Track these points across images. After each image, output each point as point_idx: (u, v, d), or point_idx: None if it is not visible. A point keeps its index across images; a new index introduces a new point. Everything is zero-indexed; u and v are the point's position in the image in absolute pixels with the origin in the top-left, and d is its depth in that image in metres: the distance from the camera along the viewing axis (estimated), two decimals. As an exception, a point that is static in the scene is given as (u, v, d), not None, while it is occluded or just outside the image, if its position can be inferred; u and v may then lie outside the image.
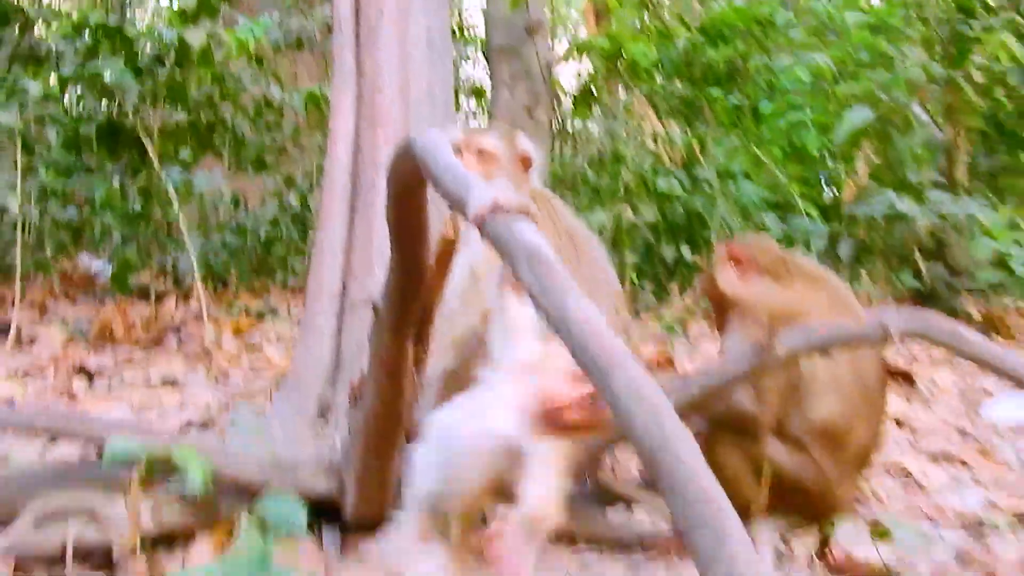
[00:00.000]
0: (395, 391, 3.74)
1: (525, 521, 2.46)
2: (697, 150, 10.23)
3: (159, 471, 3.98)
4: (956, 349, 3.72)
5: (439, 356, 4.08)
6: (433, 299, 3.61)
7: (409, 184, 2.97)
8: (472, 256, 4.06)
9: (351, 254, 4.96)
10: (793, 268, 4.67)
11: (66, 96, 9.01)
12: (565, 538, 4.34)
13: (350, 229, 4.99)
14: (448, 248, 3.40)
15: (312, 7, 10.38)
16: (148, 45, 8.22)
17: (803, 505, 4.38)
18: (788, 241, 9.57)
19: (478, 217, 2.28)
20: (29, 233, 8.44)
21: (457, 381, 4.18)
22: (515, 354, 2.61)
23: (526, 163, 4.46)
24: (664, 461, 1.73)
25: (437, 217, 3.32)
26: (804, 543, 4.31)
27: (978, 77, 10.14)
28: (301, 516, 2.12)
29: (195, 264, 8.09)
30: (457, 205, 2.45)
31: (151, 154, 8.02)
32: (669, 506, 1.71)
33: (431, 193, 2.87)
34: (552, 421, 2.53)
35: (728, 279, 4.59)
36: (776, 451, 4.42)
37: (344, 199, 5.01)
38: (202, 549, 4.00)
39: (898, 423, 6.66)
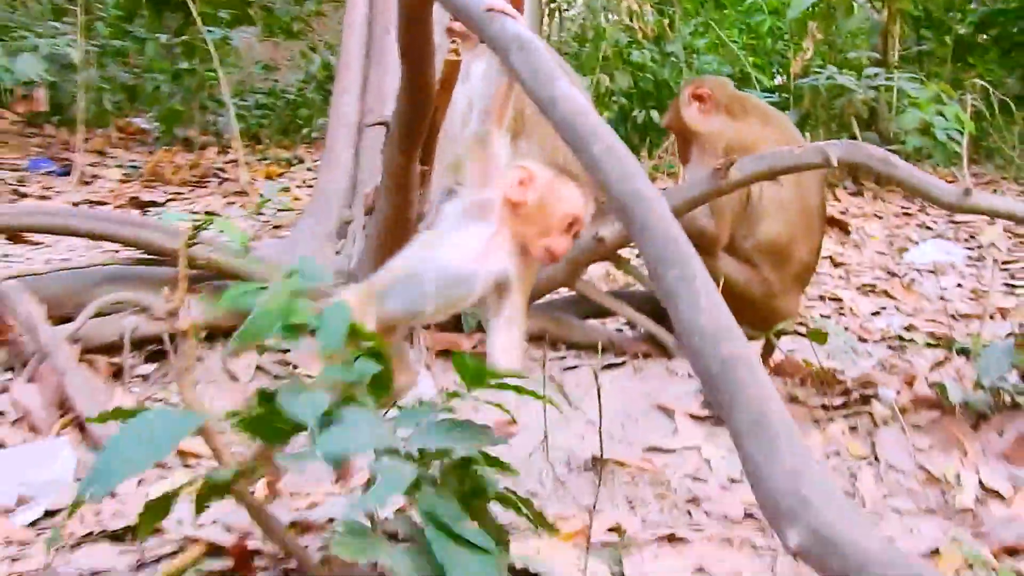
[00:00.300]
0: (404, 201, 3.72)
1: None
2: (667, 28, 10.08)
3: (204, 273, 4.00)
4: (885, 173, 3.69)
5: (441, 175, 4.05)
6: (437, 120, 3.58)
7: (417, 6, 2.92)
8: (472, 88, 4.02)
9: (366, 93, 4.91)
10: (749, 106, 4.63)
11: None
12: (550, 340, 4.36)
13: (365, 71, 4.93)
14: (452, 71, 3.35)
15: None
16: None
17: (751, 315, 4.37)
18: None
19: (478, 15, 2.24)
20: (90, 90, 8.35)
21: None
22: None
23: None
24: (638, 211, 1.71)
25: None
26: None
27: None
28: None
29: (233, 119, 8.03)
30: (460, 14, 2.41)
31: (194, 17, 7.89)
32: (641, 247, 1.70)
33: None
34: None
35: (691, 114, 4.55)
36: (729, 266, 4.43)
37: (361, 44, 4.95)
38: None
39: (834, 262, 6.68)
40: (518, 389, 2.17)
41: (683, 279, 1.54)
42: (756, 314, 4.36)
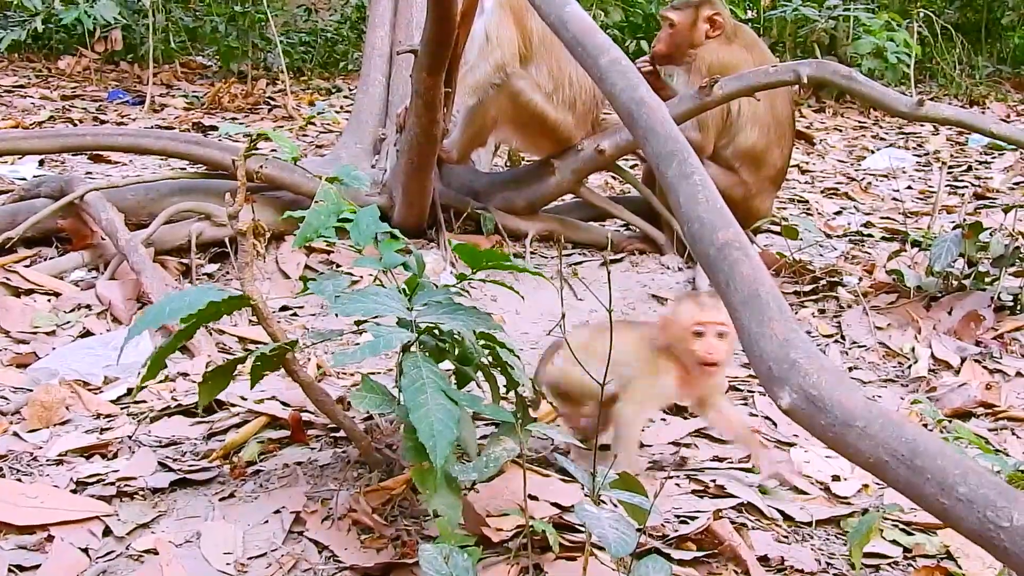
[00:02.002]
0: (431, 119, 3.65)
1: None
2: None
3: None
4: (848, 87, 3.60)
5: (463, 96, 3.98)
6: (459, 47, 3.50)
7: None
8: (487, 20, 3.91)
9: (396, 28, 4.80)
10: (740, 33, 4.50)
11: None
12: (557, 240, 4.32)
13: (395, 5, 4.82)
14: (471, 3, 3.27)
15: None
16: None
17: (732, 214, 4.32)
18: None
19: None
20: (157, 32, 8.30)
21: (478, 117, 4.10)
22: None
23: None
24: (642, 114, 1.63)
25: None
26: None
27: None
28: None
29: (280, 55, 8.02)
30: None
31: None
32: (645, 147, 1.62)
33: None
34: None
35: (699, 34, 4.38)
36: (712, 171, 4.34)
37: (390, -17, 4.84)
38: (287, 247, 3.99)
39: (801, 170, 6.62)
40: (516, 268, 2.14)
41: (682, 174, 1.48)
42: (736, 213, 4.25)
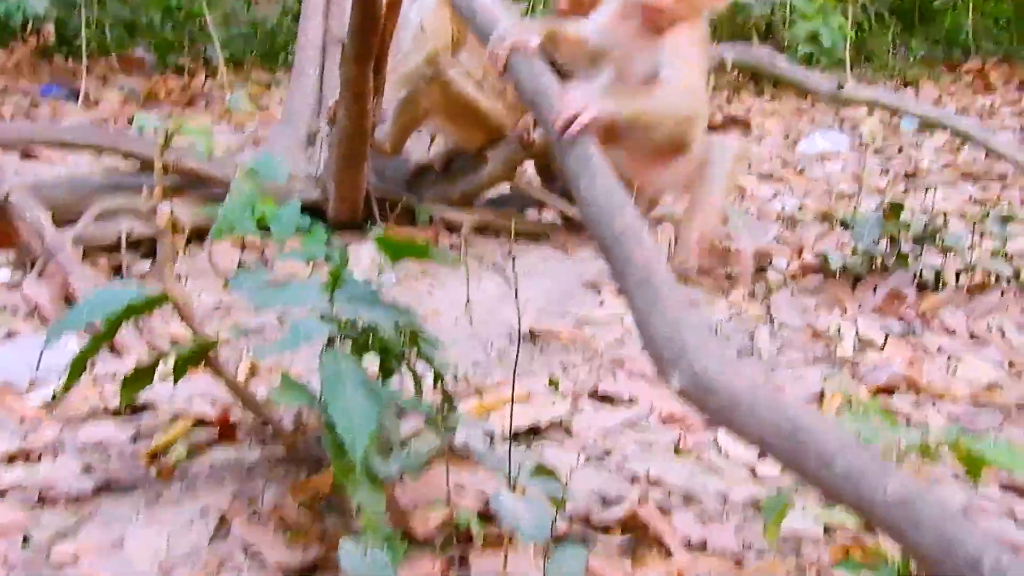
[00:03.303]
0: (361, 111, 3.63)
1: None
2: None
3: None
4: (771, 71, 3.64)
5: (394, 86, 3.96)
6: (387, 35, 3.48)
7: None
8: (422, 9, 3.90)
9: (329, 18, 4.77)
10: None
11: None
12: (493, 231, 4.32)
13: (328, -1, 4.80)
14: (397, -9, 3.25)
15: None
16: None
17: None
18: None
19: None
20: (92, 25, 8.21)
21: (409, 107, 4.08)
22: None
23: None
24: (543, 105, 1.63)
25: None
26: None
27: None
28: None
29: (218, 48, 7.97)
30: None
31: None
32: (549, 135, 1.62)
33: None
34: None
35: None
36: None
37: (322, -27, 4.80)
38: (224, 247, 3.95)
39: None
40: (437, 257, 2.14)
41: (581, 160, 1.48)
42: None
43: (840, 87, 3.51)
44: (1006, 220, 3.56)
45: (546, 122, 1.63)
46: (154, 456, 2.38)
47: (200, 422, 2.52)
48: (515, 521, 1.63)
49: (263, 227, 2.12)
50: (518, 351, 1.90)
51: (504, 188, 4.58)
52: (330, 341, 1.93)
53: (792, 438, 1.12)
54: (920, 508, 1.08)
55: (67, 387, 2.07)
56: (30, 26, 8.30)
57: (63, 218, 3.73)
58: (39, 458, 2.38)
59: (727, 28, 9.47)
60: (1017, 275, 3.51)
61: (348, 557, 1.67)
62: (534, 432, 2.56)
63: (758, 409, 1.16)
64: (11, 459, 2.37)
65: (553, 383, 2.81)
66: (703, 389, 1.19)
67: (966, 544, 1.05)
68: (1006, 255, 3.56)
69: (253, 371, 2.98)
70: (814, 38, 8.56)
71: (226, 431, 2.48)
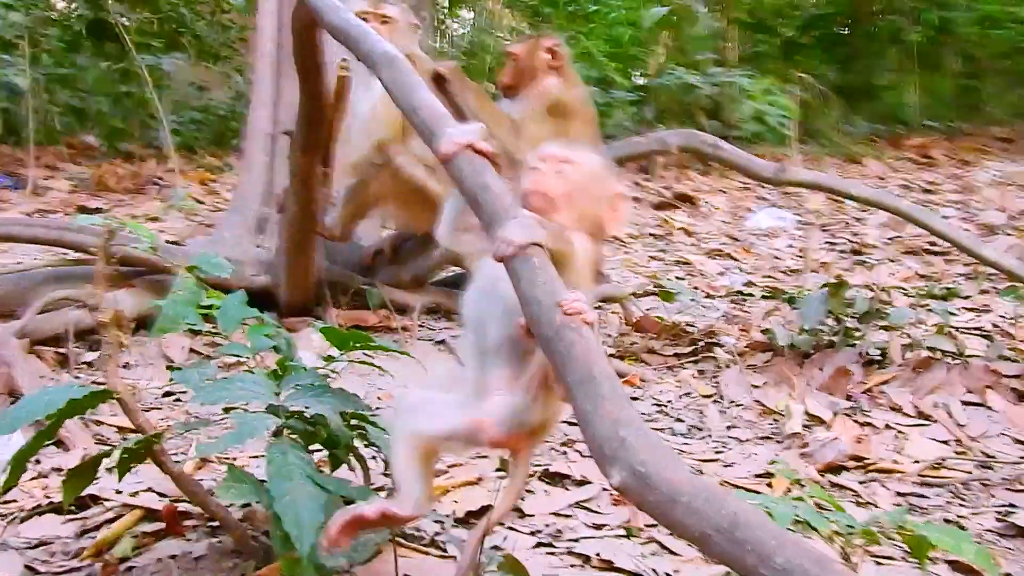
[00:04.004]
0: (309, 198, 3.66)
1: None
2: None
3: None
4: (714, 155, 3.71)
5: (342, 175, 4.00)
6: (335, 125, 3.52)
7: (305, 25, 2.84)
8: (373, 99, 3.95)
9: (278, 107, 4.81)
10: (574, 76, 4.59)
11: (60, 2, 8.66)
12: (443, 312, 4.33)
13: (276, 86, 4.83)
14: (342, 85, 3.29)
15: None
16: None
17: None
18: (610, 107, 9.62)
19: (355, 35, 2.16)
20: (40, 113, 8.22)
21: (358, 194, 4.12)
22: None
23: (414, 28, 4.34)
24: (486, 199, 1.67)
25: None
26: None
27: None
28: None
29: (167, 134, 7.98)
30: (338, 36, 2.34)
31: (129, 46, 7.80)
32: (489, 231, 1.64)
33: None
34: None
35: (540, 62, 4.46)
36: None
37: (271, 65, 4.84)
38: (174, 336, 3.92)
39: (686, 232, 6.73)
40: (382, 347, 2.14)
41: (523, 260, 1.50)
42: None
43: (782, 170, 3.58)
44: (948, 296, 3.63)
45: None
46: (99, 551, 2.35)
47: (147, 515, 2.50)
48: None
49: (211, 319, 2.13)
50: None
51: (455, 268, 4.60)
52: (277, 432, 1.93)
53: (731, 535, 1.12)
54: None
55: (8, 485, 2.05)
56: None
57: (8, 310, 3.71)
58: (-20, 556, 2.34)
59: (675, 107, 9.65)
60: (961, 352, 3.56)
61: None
62: (485, 515, 2.55)
63: (697, 504, 1.15)
64: (-49, 557, 2.34)
65: (504, 465, 2.81)
66: (644, 484, 1.19)
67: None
68: (950, 332, 3.61)
69: (200, 462, 2.96)
70: (760, 117, 8.72)
71: (173, 524, 2.45)
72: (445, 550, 2.17)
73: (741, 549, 1.13)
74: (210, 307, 2.12)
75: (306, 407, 2.00)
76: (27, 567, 2.27)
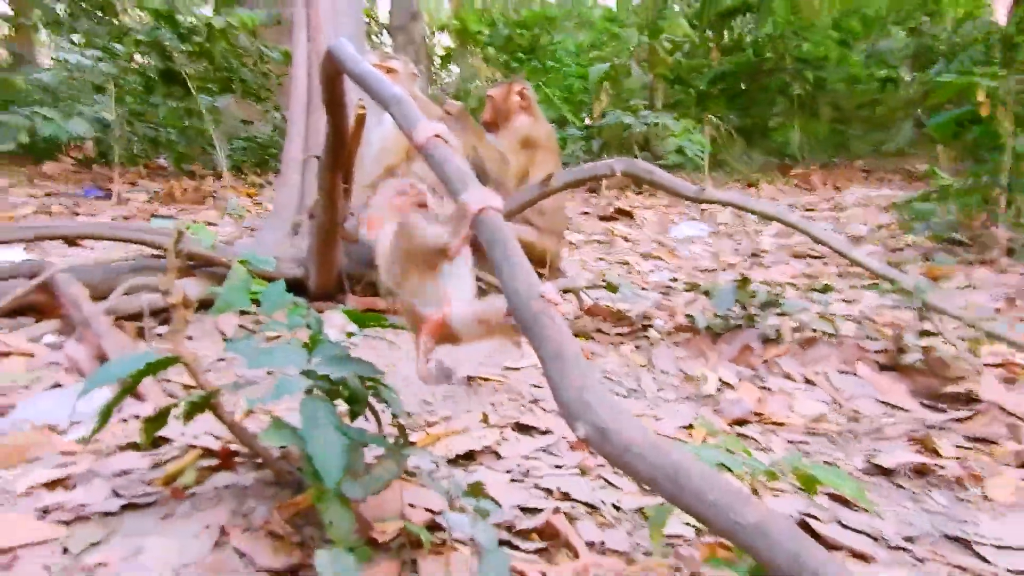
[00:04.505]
0: (333, 209, 3.61)
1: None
2: (512, 88, 10.07)
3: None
4: (649, 179, 3.69)
5: (359, 192, 3.95)
6: (353, 152, 3.47)
7: (332, 74, 2.80)
8: (384, 130, 3.90)
9: (308, 136, 4.75)
10: (539, 113, 4.57)
11: (138, 55, 8.54)
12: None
13: (307, 122, 4.77)
14: (360, 120, 3.25)
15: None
16: (188, 23, 7.86)
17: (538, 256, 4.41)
18: (565, 141, 9.59)
19: (370, 80, 2.12)
20: (123, 141, 8.13)
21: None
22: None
23: (414, 76, 4.28)
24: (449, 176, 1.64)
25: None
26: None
27: (666, 45, 10.10)
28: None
29: (222, 158, 7.91)
30: (358, 81, 2.30)
31: (192, 89, 7.71)
32: (478, 234, 1.62)
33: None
34: None
35: (512, 104, 4.44)
36: (530, 234, 4.41)
37: (302, 104, 4.77)
38: (227, 315, 3.87)
39: (625, 239, 6.71)
40: (392, 325, 2.12)
41: (505, 256, 1.47)
42: (532, 253, 4.38)
43: (702, 191, 3.57)
44: (826, 289, 3.63)
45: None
46: (168, 481, 2.31)
47: (205, 453, 2.46)
48: (469, 533, 1.61)
49: (256, 302, 2.10)
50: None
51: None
52: (308, 391, 1.90)
53: (673, 478, 1.11)
54: (773, 532, 1.07)
55: (98, 428, 2.01)
56: (73, 143, 8.18)
57: (98, 294, 3.66)
58: (75, 485, 2.30)
59: (615, 141, 9.65)
60: (837, 333, 3.56)
61: (322, 564, 1.64)
62: (470, 457, 2.53)
63: (646, 453, 1.14)
64: (54, 484, 2.30)
65: (485, 418, 2.79)
66: (603, 437, 1.18)
67: (811, 561, 1.05)
68: (829, 317, 3.62)
69: (247, 412, 2.92)
70: (680, 150, 8.73)
71: (226, 461, 2.41)
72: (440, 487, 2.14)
73: (681, 489, 1.11)
74: (256, 293, 2.09)
75: (332, 372, 1.97)
76: (113, 491, 2.23)
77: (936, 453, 2.63)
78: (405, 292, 2.05)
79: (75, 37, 9.27)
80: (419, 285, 2.08)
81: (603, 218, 7.61)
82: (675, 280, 5.17)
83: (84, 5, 9.04)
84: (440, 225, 2.12)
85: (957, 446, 2.71)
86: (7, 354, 3.32)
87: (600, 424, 1.17)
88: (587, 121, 10.69)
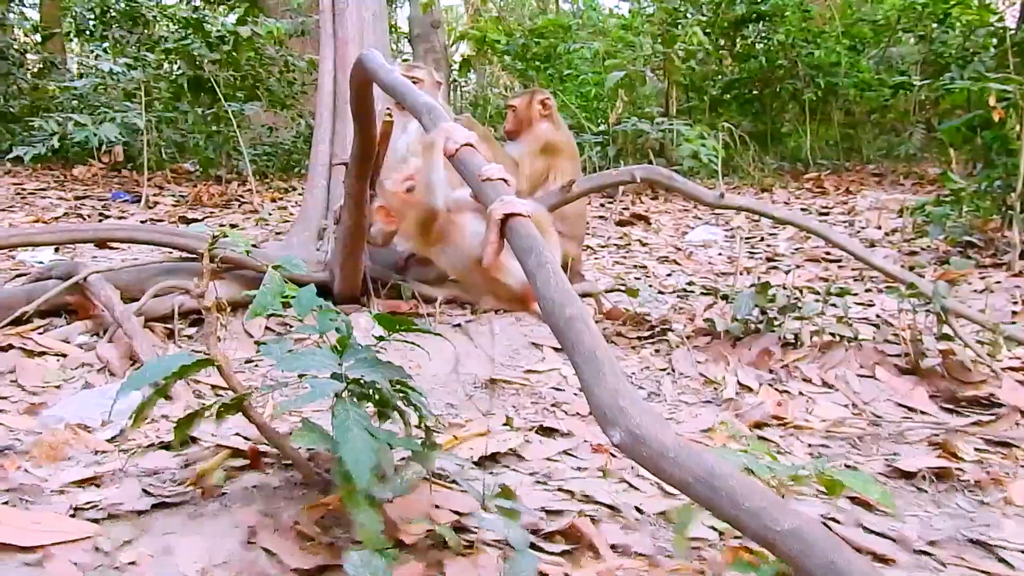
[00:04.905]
0: (359, 214, 3.60)
1: None
2: (530, 95, 10.07)
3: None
4: (669, 185, 3.66)
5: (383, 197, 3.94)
6: (380, 159, 3.45)
7: (361, 82, 2.78)
8: (408, 139, 3.89)
9: (334, 143, 4.75)
10: (560, 120, 4.55)
11: (167, 63, 8.58)
12: (460, 303, 4.26)
13: (333, 128, 4.77)
14: (387, 128, 3.23)
15: (311, 9, 9.93)
16: (216, 32, 7.88)
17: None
18: (581, 147, 9.57)
19: (402, 92, 2.10)
20: (152, 146, 8.17)
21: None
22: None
23: (438, 84, 4.28)
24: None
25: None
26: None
27: (681, 54, 10.06)
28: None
29: (247, 163, 7.92)
30: (389, 91, 2.29)
31: (219, 96, 7.74)
32: (511, 243, 1.59)
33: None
34: None
35: (534, 112, 4.42)
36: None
37: (329, 111, 4.77)
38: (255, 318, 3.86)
39: (641, 243, 6.68)
40: (420, 329, 2.09)
41: (538, 264, 1.45)
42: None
43: (721, 197, 3.53)
44: (843, 293, 3.58)
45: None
46: (198, 480, 2.30)
47: (235, 453, 2.45)
48: (501, 534, 1.59)
49: (287, 305, 2.09)
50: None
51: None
52: (339, 394, 1.89)
53: (708, 483, 1.08)
54: (809, 538, 1.04)
55: (133, 428, 2.00)
56: (104, 148, 8.22)
57: (129, 295, 3.66)
58: (107, 482, 2.29)
59: (630, 147, 9.60)
60: (855, 336, 3.52)
61: (352, 564, 1.62)
62: (494, 459, 2.51)
63: (681, 458, 1.11)
64: (86, 483, 2.29)
65: (509, 421, 2.77)
66: (638, 442, 1.15)
67: (847, 568, 1.02)
68: (848, 321, 3.57)
69: (275, 412, 2.91)
70: (695, 155, 8.67)
71: (255, 461, 2.40)
72: (464, 488, 2.12)
73: (717, 495, 1.08)
74: (288, 297, 2.08)
75: (362, 375, 1.95)
76: (143, 490, 2.22)
77: (957, 457, 2.58)
78: (489, 281, 1.99)
79: (106, 45, 9.32)
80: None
81: (619, 222, 7.57)
82: (692, 284, 5.12)
83: (115, 14, 9.08)
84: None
85: (977, 450, 2.66)
86: (41, 354, 3.32)
87: (635, 429, 1.15)
88: (603, 127, 10.66)
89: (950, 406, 3.07)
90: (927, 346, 3.36)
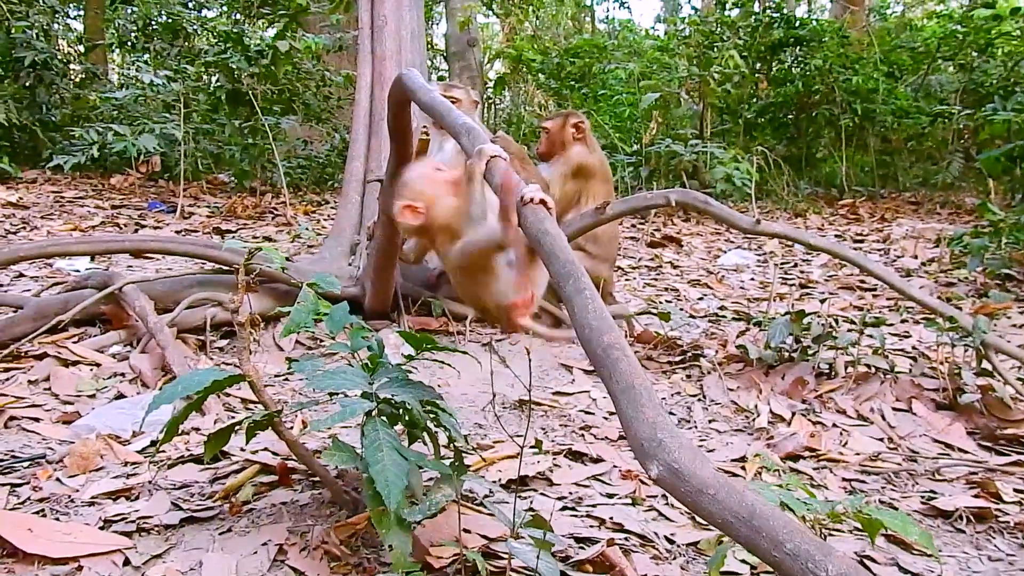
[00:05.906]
0: (393, 231, 3.59)
1: None
2: (564, 115, 10.07)
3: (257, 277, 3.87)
4: (704, 210, 3.62)
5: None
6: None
7: (400, 101, 2.79)
8: (444, 156, 3.89)
9: (369, 159, 4.77)
10: (594, 143, 4.53)
11: (206, 76, 8.67)
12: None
13: (368, 144, 4.78)
14: (423, 145, 3.24)
15: (349, 25, 10.01)
16: (255, 46, 7.97)
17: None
18: (614, 167, 9.54)
19: (440, 110, 2.11)
20: (189, 157, 8.26)
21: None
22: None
23: (475, 104, 4.28)
24: (546, 244, 1.60)
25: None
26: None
27: (716, 76, 10.02)
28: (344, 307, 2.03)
29: (282, 176, 7.98)
30: (428, 111, 2.29)
31: (256, 109, 7.81)
32: (549, 269, 1.58)
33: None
34: None
35: (567, 135, 4.41)
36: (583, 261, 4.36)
37: (365, 127, 4.79)
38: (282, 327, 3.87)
39: (673, 266, 6.63)
40: (445, 348, 2.08)
41: (576, 290, 1.43)
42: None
43: (758, 223, 3.50)
44: (878, 323, 3.52)
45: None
46: (227, 495, 2.30)
47: (264, 469, 2.45)
48: (529, 562, 1.57)
49: (319, 320, 2.09)
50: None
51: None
52: (368, 413, 1.88)
53: (749, 523, 1.05)
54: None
55: (164, 441, 2.00)
56: (142, 158, 8.32)
57: (162, 306, 3.69)
58: (137, 496, 2.30)
59: (664, 169, 9.56)
60: (892, 369, 3.46)
61: (383, 588, 1.60)
62: (523, 482, 2.49)
63: (721, 496, 1.08)
64: (116, 496, 2.30)
65: (538, 444, 2.74)
66: (677, 477, 1.12)
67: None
68: (884, 353, 3.51)
69: (304, 428, 2.91)
70: (728, 178, 8.62)
71: (284, 477, 2.40)
72: (492, 512, 2.10)
73: (757, 535, 1.05)
74: (322, 314, 2.08)
75: (393, 395, 1.94)
76: (173, 504, 2.23)
77: (998, 498, 2.52)
78: (483, 295, 2.00)
79: (147, 57, 9.45)
80: (490, 283, 2.03)
81: (651, 244, 7.54)
82: (723, 308, 5.08)
83: (157, 27, 9.21)
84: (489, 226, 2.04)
85: (1017, 490, 2.59)
86: (75, 363, 3.35)
87: (673, 464, 1.12)
88: (636, 148, 10.64)
89: (988, 444, 3.00)
90: (965, 381, 3.29)
